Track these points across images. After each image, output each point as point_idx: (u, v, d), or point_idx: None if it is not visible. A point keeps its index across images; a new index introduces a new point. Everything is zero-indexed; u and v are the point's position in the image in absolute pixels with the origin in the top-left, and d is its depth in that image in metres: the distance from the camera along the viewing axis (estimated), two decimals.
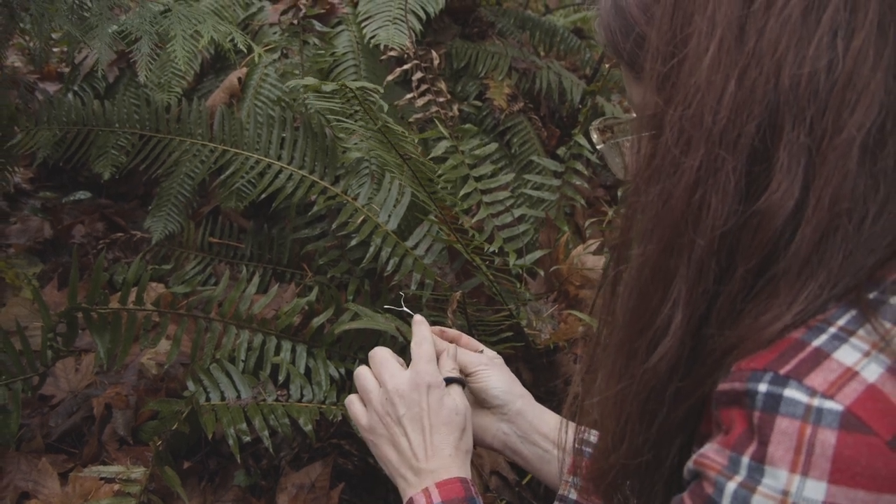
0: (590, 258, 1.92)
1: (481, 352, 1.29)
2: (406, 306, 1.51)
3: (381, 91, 1.60)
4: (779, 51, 0.65)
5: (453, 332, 1.31)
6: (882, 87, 0.64)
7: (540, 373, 1.82)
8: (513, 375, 1.27)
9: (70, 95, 2.33)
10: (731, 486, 0.63)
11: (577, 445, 0.97)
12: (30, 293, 2.03)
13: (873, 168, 0.64)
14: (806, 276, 0.65)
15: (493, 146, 1.92)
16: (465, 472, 1.07)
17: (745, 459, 0.62)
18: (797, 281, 0.65)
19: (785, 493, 0.60)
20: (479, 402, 1.24)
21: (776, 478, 0.60)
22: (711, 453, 0.66)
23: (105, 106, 2.09)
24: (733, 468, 0.63)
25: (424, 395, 1.10)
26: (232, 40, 1.92)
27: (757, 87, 0.66)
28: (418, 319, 1.22)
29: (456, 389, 1.16)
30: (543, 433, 1.21)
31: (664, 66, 0.71)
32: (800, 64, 0.65)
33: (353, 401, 1.17)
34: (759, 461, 0.61)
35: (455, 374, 1.18)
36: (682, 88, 0.70)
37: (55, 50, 3.11)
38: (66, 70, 2.75)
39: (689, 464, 0.69)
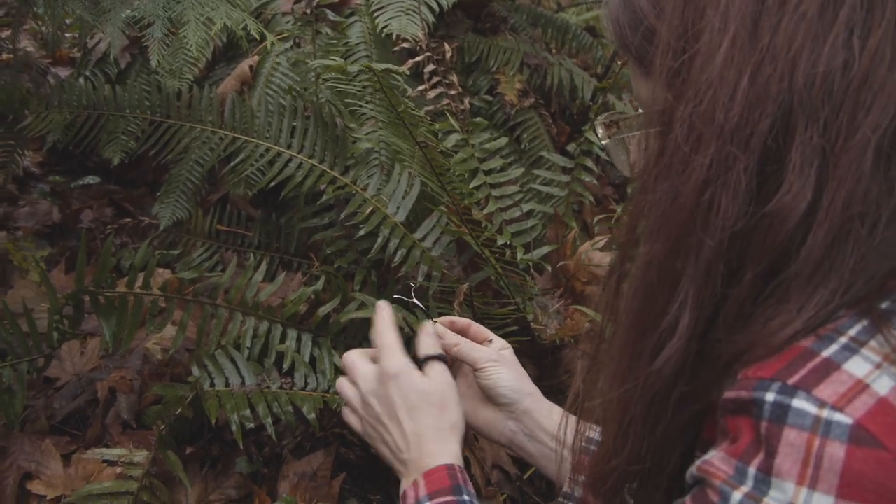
0: (597, 255, 1.92)
1: (490, 341, 1.28)
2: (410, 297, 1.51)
3: (407, 74, 1.59)
4: (793, 48, 0.64)
5: (463, 321, 1.30)
6: None
7: (545, 368, 1.82)
8: (522, 371, 1.26)
9: (81, 80, 2.34)
10: (736, 496, 0.62)
11: (580, 444, 0.96)
12: (37, 276, 2.04)
13: (888, 172, 0.63)
14: (817, 282, 0.64)
15: (504, 140, 1.92)
16: (451, 451, 1.07)
17: (752, 470, 0.61)
18: (808, 286, 0.64)
19: None
20: (488, 398, 1.24)
21: (783, 490, 0.59)
22: (717, 461, 0.65)
23: (116, 91, 2.09)
24: (739, 478, 0.62)
25: (392, 386, 1.10)
26: (245, 28, 1.92)
27: (771, 84, 0.65)
28: (380, 305, 1.20)
29: (435, 367, 1.15)
30: (550, 432, 1.20)
31: (675, 62, 0.70)
32: (815, 62, 0.63)
33: (346, 413, 1.19)
34: (766, 473, 0.60)
35: (435, 350, 1.18)
36: (693, 84, 0.68)
37: (67, 35, 3.11)
38: (78, 55, 2.75)
39: (693, 469, 0.68)
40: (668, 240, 0.70)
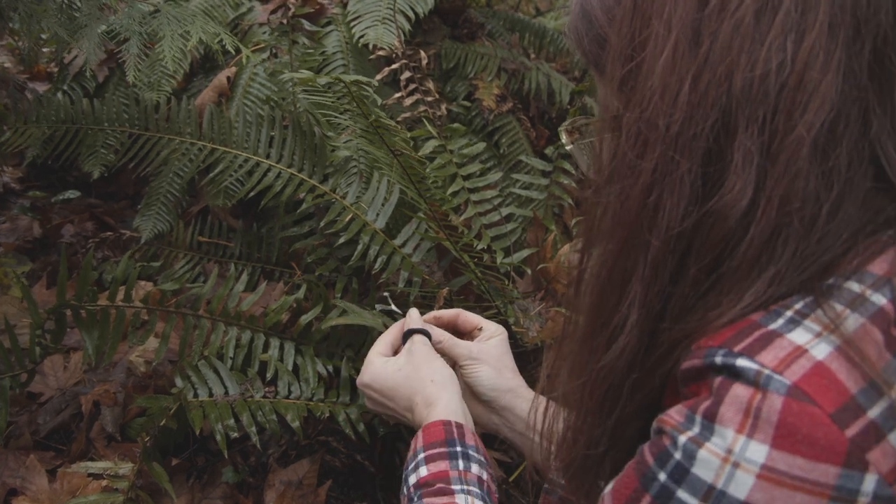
0: (575, 256, 1.93)
1: (481, 328, 1.37)
2: (394, 304, 1.55)
3: (376, 85, 1.61)
4: (731, 54, 0.67)
5: (449, 312, 1.40)
6: (832, 87, 0.65)
7: (527, 370, 1.82)
8: (506, 364, 1.34)
9: (59, 94, 2.33)
10: (682, 439, 0.66)
11: (545, 435, 1.00)
12: (18, 291, 2.03)
13: (825, 167, 0.66)
14: (755, 275, 0.68)
15: (482, 146, 1.93)
16: (443, 410, 1.18)
17: (699, 417, 0.65)
18: (746, 279, 0.68)
19: (729, 451, 0.63)
20: (471, 394, 1.32)
21: (723, 437, 0.63)
22: (672, 412, 0.69)
23: (94, 105, 2.09)
24: (688, 424, 0.66)
25: (369, 390, 1.31)
26: (220, 41, 1.93)
27: (710, 90, 0.67)
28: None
29: (414, 341, 1.31)
30: (531, 425, 1.24)
31: (623, 69, 0.73)
32: (752, 66, 0.66)
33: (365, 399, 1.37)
34: (711, 420, 0.64)
35: (416, 325, 1.35)
36: (639, 91, 0.71)
37: (45, 50, 3.11)
38: (56, 69, 2.75)
39: (654, 423, 0.71)
40: (619, 241, 0.74)
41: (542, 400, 1.00)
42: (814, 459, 0.60)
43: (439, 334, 1.34)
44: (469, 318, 1.39)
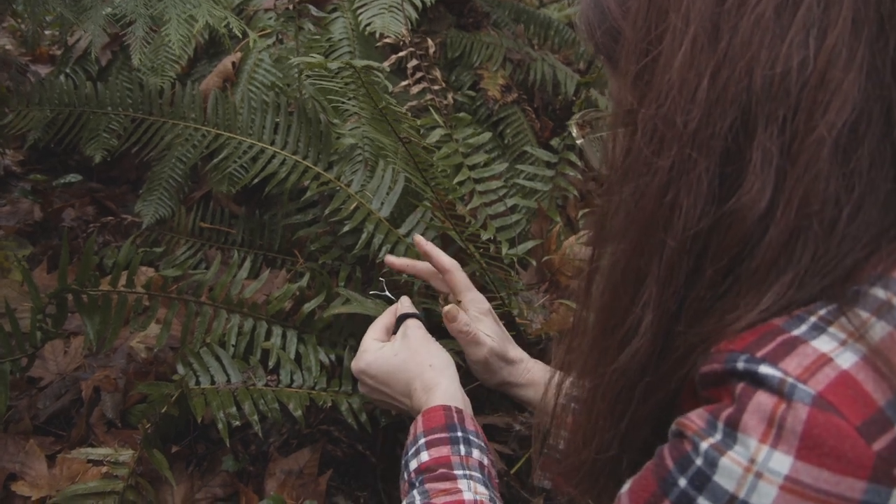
0: (582, 249, 1.92)
1: (459, 302, 1.44)
2: (394, 293, 1.55)
3: (387, 71, 1.60)
4: (751, 50, 0.65)
5: (449, 262, 1.48)
6: (855, 86, 0.63)
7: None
8: (503, 355, 1.41)
9: (62, 77, 2.32)
10: (703, 445, 0.64)
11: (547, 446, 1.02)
12: (19, 275, 2.02)
13: (846, 168, 0.64)
14: (772, 278, 0.66)
15: (487, 136, 1.91)
16: (442, 395, 1.22)
17: (721, 424, 0.64)
18: (764, 283, 0.66)
19: (752, 460, 0.61)
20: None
21: (746, 446, 0.61)
22: (693, 416, 0.67)
23: (97, 88, 2.07)
24: (710, 430, 0.64)
25: (366, 376, 1.35)
26: (227, 25, 1.91)
27: (729, 86, 0.66)
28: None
29: (408, 325, 1.37)
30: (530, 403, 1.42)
31: (638, 63, 0.71)
32: (772, 63, 0.64)
33: (359, 385, 1.42)
34: (734, 428, 0.63)
35: (409, 310, 1.42)
36: (655, 86, 0.69)
37: (47, 33, 3.09)
38: (59, 52, 2.73)
39: (673, 425, 0.70)
40: (633, 240, 0.72)
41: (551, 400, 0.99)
42: (840, 473, 0.58)
43: (465, 322, 1.38)
44: (456, 281, 1.45)
